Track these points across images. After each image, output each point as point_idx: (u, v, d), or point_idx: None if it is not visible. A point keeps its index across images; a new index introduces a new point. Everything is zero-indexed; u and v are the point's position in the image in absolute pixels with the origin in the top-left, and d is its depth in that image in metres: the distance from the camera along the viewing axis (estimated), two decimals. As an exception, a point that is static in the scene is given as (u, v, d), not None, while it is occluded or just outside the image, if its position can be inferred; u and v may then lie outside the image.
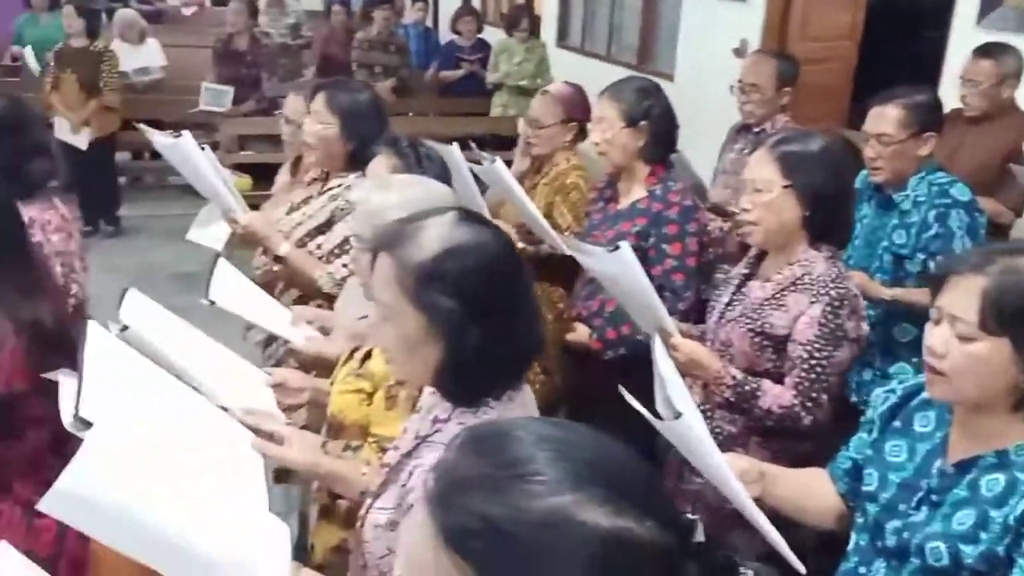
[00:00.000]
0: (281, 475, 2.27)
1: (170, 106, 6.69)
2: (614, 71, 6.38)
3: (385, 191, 1.67)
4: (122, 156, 6.79)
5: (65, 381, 1.33)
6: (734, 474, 1.50)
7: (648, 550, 0.70)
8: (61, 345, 1.82)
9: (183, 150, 2.42)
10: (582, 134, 3.03)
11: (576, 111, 3.03)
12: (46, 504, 1.14)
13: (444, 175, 2.07)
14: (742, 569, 0.75)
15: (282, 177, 3.17)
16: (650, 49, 6.77)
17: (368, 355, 1.75)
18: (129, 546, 1.19)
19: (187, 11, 11.14)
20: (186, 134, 2.42)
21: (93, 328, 1.44)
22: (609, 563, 0.69)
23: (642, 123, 2.47)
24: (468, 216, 1.30)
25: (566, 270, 2.66)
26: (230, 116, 6.41)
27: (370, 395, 1.71)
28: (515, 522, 0.69)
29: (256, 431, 1.54)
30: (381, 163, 2.09)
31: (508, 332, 1.22)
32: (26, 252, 1.84)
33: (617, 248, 1.92)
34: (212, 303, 2.04)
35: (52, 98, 5.74)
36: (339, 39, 7.05)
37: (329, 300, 2.36)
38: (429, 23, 8.66)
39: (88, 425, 1.20)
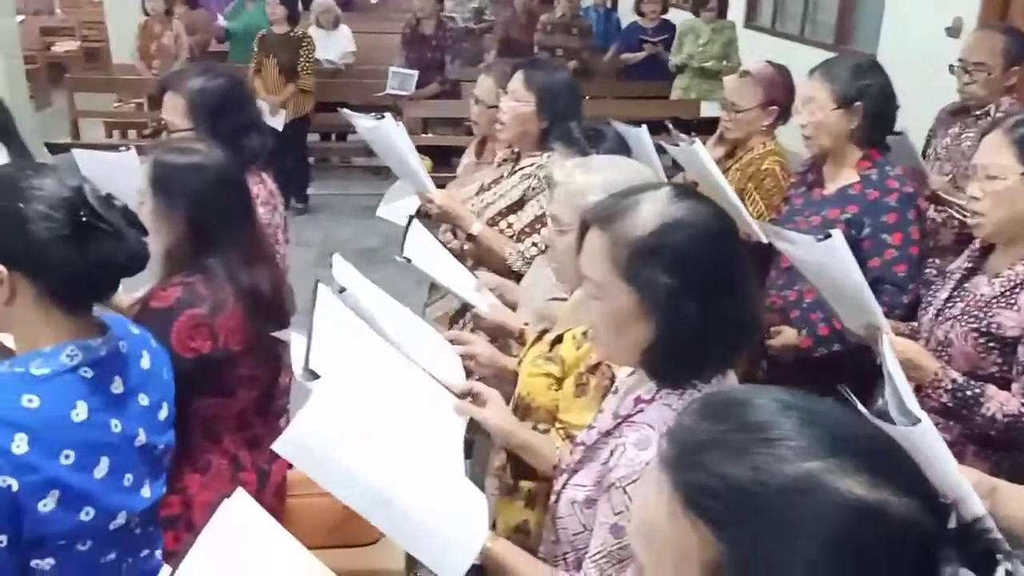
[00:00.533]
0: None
1: (358, 89, 6.97)
2: (808, 52, 6.07)
3: (588, 172, 1.64)
4: (311, 137, 7.15)
5: (295, 338, 1.39)
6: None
7: (905, 528, 0.65)
8: (274, 311, 1.92)
9: (384, 132, 2.49)
10: (783, 117, 2.87)
11: (778, 93, 2.85)
12: (280, 446, 1.20)
13: (620, 153, 2.03)
14: (1000, 557, 0.67)
15: (466, 159, 3.21)
16: (850, 28, 6.39)
17: (559, 339, 1.73)
18: (349, 496, 1.23)
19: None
20: (388, 116, 2.50)
21: (322, 290, 1.50)
22: (861, 536, 0.64)
23: (856, 104, 2.30)
24: (684, 192, 1.26)
25: (758, 258, 2.53)
26: (414, 99, 6.60)
27: (559, 380, 1.70)
28: (760, 484, 0.66)
29: (464, 395, 1.56)
30: (556, 161, 2.06)
31: (724, 312, 1.17)
32: (250, 222, 1.93)
33: (828, 237, 1.80)
34: (408, 260, 2.09)
35: (255, 82, 6.11)
36: (521, 22, 7.08)
37: (517, 279, 2.36)
38: (607, 4, 8.53)
39: (316, 376, 1.25)
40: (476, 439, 2.17)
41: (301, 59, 6.22)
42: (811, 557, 0.64)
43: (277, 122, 6.05)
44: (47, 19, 10.88)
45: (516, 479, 1.74)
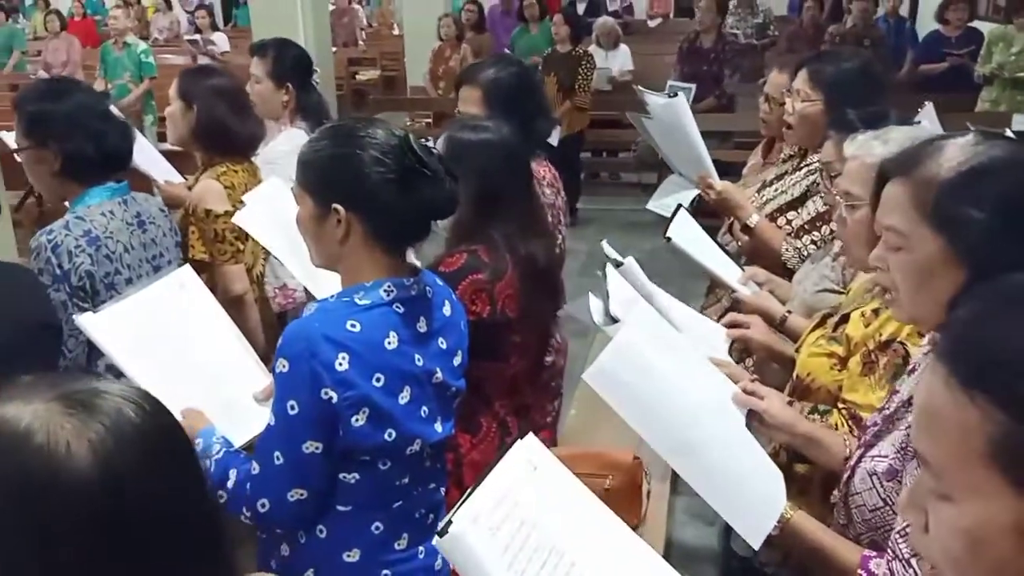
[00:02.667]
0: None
1: (633, 106, 7.04)
2: None
3: (887, 143, 1.54)
4: (583, 153, 7.34)
5: (592, 300, 1.43)
6: None
7: None
8: (547, 283, 2.00)
9: (676, 110, 2.49)
10: None
11: None
12: (590, 374, 1.25)
13: None
14: None
15: (752, 159, 3.13)
16: None
17: (844, 320, 1.64)
18: (652, 435, 1.25)
19: (652, 23, 11.74)
20: (681, 95, 2.50)
21: (611, 271, 1.55)
22: None
23: None
24: (992, 135, 1.16)
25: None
26: (688, 113, 6.57)
27: (843, 360, 1.61)
28: None
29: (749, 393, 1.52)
30: (829, 150, 1.94)
31: None
32: (531, 197, 2.03)
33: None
34: (668, 240, 2.09)
35: (535, 98, 6.40)
36: (806, 35, 6.83)
37: (788, 278, 2.26)
38: (901, 12, 7.94)
39: (616, 321, 1.27)
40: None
41: (580, 77, 6.42)
42: None
43: (553, 138, 6.26)
44: (353, 51, 12.11)
45: (791, 462, 1.67)
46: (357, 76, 11.54)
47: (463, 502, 0.99)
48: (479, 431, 1.94)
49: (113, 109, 2.14)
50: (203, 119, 2.45)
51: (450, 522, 0.96)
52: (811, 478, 1.61)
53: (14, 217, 4.44)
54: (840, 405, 1.56)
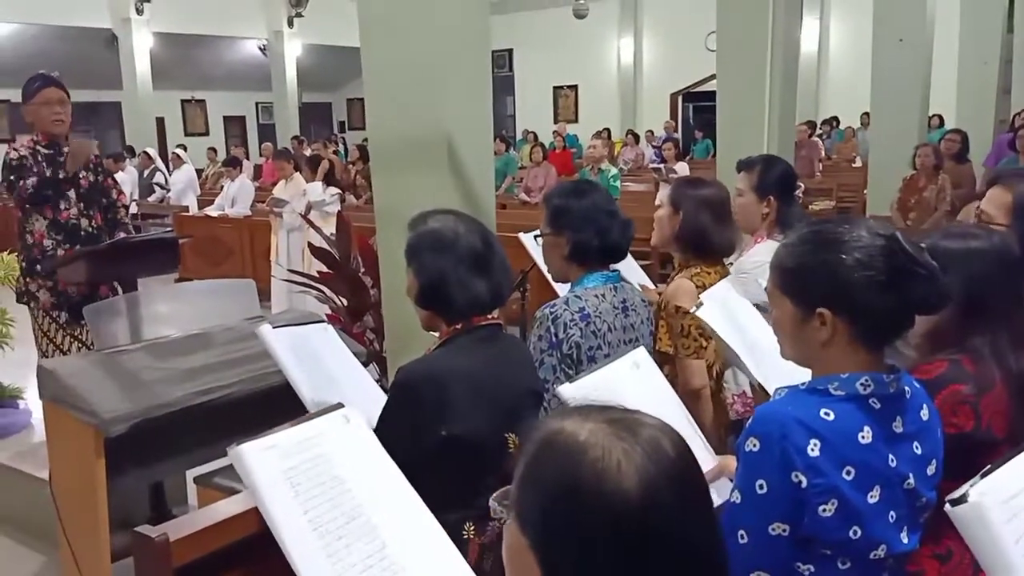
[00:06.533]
0: None
1: None
2: None
3: None
4: None
5: None
6: None
7: None
8: None
9: None
10: None
11: None
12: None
13: None
14: None
15: None
16: None
17: None
18: None
19: None
20: None
21: None
22: None
23: None
24: None
25: None
26: None
27: None
28: None
29: None
30: None
31: None
32: None
33: None
34: None
35: None
36: None
37: None
38: None
39: None
40: None
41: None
42: None
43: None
44: (809, 182, 12.06)
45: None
46: (811, 207, 11.46)
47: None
48: (950, 559, 1.74)
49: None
50: (687, 224, 2.66)
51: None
52: None
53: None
54: None
